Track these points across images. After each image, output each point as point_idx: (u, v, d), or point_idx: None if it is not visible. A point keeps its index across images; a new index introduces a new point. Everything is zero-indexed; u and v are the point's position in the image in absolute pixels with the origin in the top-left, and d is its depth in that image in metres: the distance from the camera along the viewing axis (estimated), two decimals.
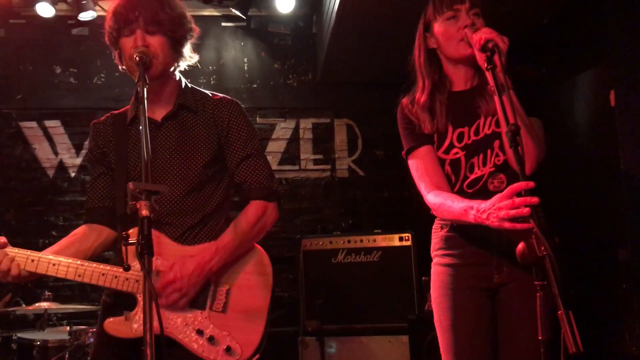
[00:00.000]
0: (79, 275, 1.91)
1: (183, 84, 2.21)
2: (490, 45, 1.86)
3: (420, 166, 2.14)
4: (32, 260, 1.92)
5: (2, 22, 5.36)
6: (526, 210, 1.63)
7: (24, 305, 3.87)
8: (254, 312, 2.06)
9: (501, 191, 1.94)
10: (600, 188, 3.69)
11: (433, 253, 2.21)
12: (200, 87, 2.27)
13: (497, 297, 2.08)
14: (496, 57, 1.85)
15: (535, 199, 1.63)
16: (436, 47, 2.16)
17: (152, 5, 2.00)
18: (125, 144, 2.11)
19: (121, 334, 1.93)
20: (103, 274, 1.92)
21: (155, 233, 1.67)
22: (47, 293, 3.79)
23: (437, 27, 2.12)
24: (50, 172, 5.30)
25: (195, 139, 2.13)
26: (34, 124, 5.35)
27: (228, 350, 1.97)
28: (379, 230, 4.62)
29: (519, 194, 1.68)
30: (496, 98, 1.91)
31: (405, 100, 2.22)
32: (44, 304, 3.70)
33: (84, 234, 2.13)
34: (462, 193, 2.07)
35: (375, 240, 4.56)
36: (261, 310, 2.07)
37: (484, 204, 1.83)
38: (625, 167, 3.44)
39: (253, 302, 2.07)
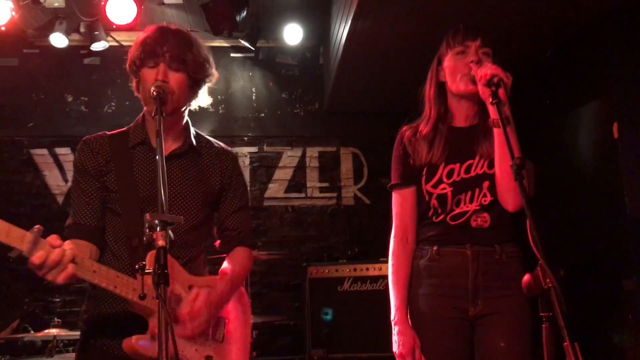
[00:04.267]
0: (115, 287, 1.82)
1: (190, 125, 2.26)
2: (495, 80, 1.90)
3: (397, 207, 2.26)
4: (76, 263, 1.76)
5: (15, 52, 5.48)
6: None
7: (32, 332, 3.89)
8: (242, 341, 2.21)
9: (483, 229, 2.08)
10: (604, 219, 3.71)
11: (412, 280, 2.23)
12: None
13: (475, 329, 2.10)
14: (501, 91, 1.88)
15: None
16: (444, 81, 2.22)
17: (180, 44, 2.06)
18: (130, 168, 2.11)
19: (152, 353, 1.89)
20: (134, 289, 1.84)
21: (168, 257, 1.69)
22: (56, 319, 3.80)
23: (447, 61, 2.18)
24: (60, 199, 5.36)
25: (200, 180, 2.18)
26: (44, 151, 5.44)
27: None
28: (385, 259, 4.60)
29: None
30: (498, 131, 1.96)
31: (407, 129, 2.27)
32: (53, 331, 3.70)
33: (82, 249, 1.97)
34: (444, 224, 2.12)
35: (381, 269, 4.58)
36: (247, 338, 2.23)
37: (407, 337, 2.09)
38: (629, 198, 3.47)
39: (241, 333, 2.22)
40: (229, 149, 2.34)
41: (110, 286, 1.82)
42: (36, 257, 1.68)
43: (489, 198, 2.09)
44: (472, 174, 2.12)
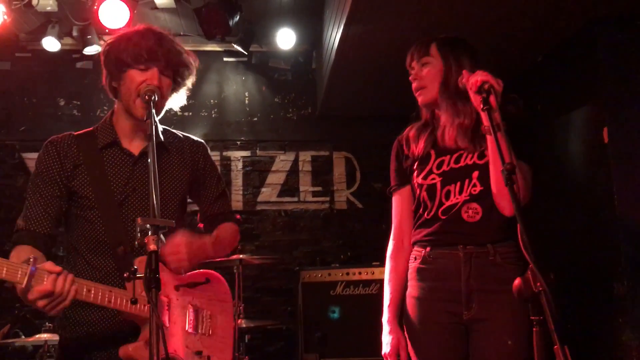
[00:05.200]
0: (109, 301, 1.80)
1: (158, 123, 2.22)
2: (486, 86, 1.93)
3: (397, 207, 2.33)
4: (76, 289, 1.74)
5: (8, 56, 5.45)
6: None
7: (23, 337, 3.86)
8: (227, 334, 2.25)
9: (475, 223, 2.10)
10: (595, 223, 3.73)
11: (408, 283, 2.27)
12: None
13: (469, 333, 2.11)
14: (492, 98, 1.92)
15: None
16: None
17: (175, 50, 2.06)
18: (102, 172, 2.05)
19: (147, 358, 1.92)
20: (127, 300, 1.82)
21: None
22: (47, 324, 3.78)
23: None
24: None
25: (170, 177, 2.16)
26: (36, 155, 5.38)
27: None
28: (378, 263, 4.64)
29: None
30: (490, 138, 2.00)
31: (407, 129, 2.35)
32: (44, 336, 3.69)
33: (28, 255, 1.80)
34: (436, 219, 2.15)
35: (373, 273, 4.59)
36: (231, 332, 2.27)
37: (392, 338, 2.17)
38: (619, 202, 3.49)
39: (226, 326, 2.25)
40: (198, 139, 2.32)
41: (105, 301, 1.80)
42: (36, 291, 1.64)
43: (478, 188, 2.12)
44: (462, 164, 2.16)
